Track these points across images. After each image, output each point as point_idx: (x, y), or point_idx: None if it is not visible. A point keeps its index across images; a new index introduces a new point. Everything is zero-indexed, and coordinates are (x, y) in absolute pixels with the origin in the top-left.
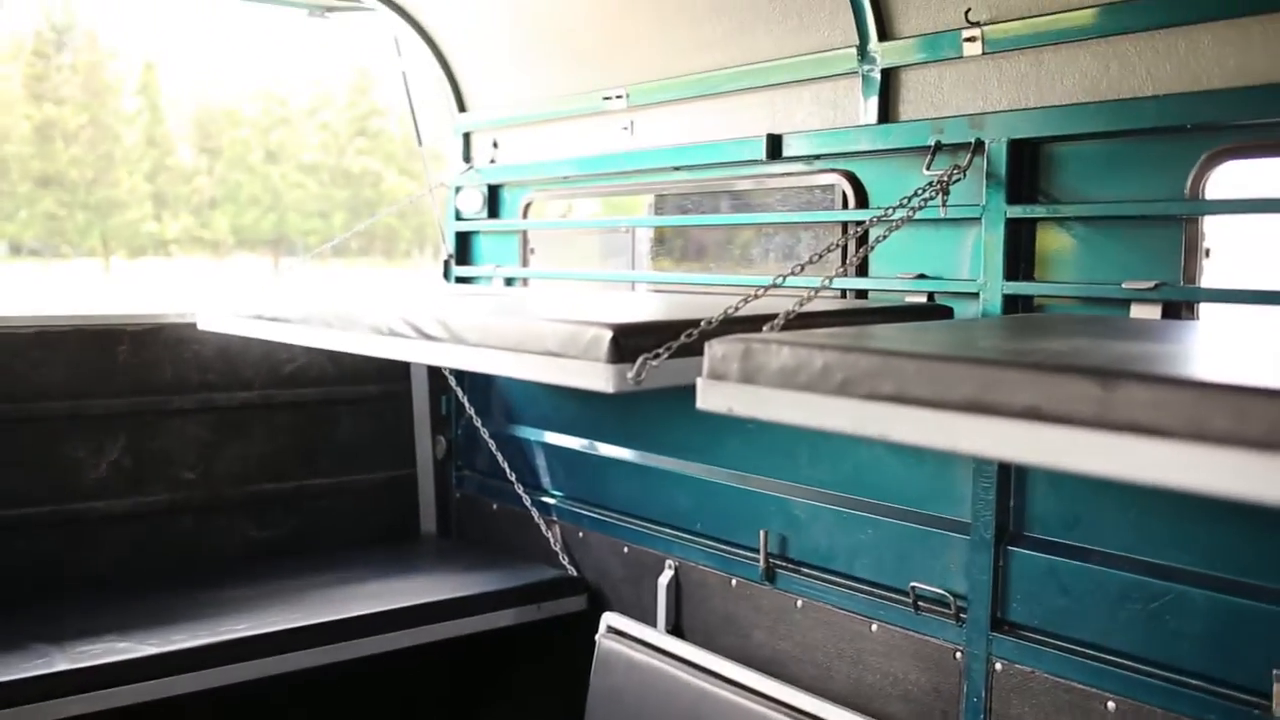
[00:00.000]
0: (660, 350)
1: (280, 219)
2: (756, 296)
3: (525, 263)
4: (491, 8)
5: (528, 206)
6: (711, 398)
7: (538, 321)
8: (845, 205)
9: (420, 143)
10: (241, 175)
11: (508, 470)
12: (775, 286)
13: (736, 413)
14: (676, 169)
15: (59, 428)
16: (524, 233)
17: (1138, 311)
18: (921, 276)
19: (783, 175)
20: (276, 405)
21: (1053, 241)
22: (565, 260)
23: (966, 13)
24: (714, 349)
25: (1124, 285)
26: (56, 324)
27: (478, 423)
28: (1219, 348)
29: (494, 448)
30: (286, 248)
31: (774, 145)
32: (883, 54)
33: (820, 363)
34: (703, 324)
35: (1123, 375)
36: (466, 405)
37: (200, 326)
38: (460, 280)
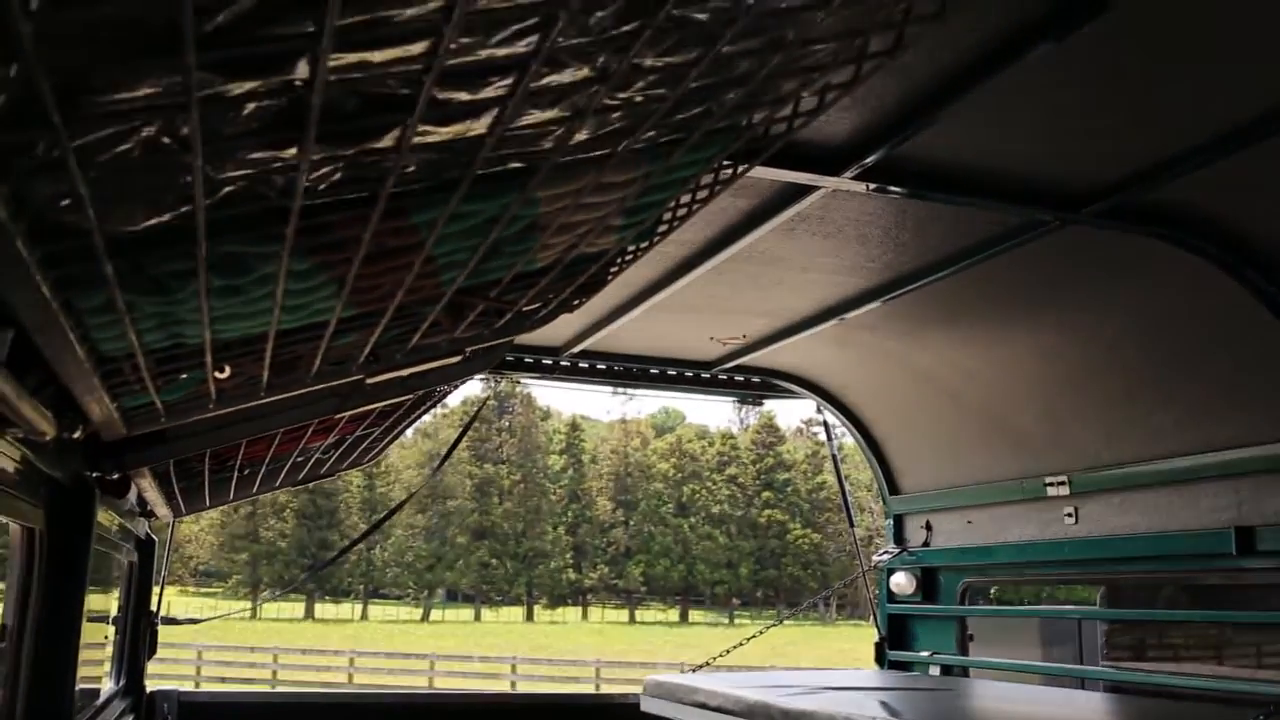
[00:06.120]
0: None
1: (689, 569)
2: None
3: (965, 650)
4: (923, 395)
5: (964, 592)
6: None
7: None
8: None
9: (852, 524)
10: (654, 527)
11: None
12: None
13: None
14: (1128, 560)
15: None
16: (962, 619)
17: None
18: None
19: (1258, 570)
20: None
21: None
22: (1006, 648)
23: None
24: None
25: None
26: (511, 701)
27: None
28: None
29: None
30: (694, 597)
31: (1244, 538)
32: None
33: None
34: None
35: None
36: None
37: (644, 709)
38: (894, 665)
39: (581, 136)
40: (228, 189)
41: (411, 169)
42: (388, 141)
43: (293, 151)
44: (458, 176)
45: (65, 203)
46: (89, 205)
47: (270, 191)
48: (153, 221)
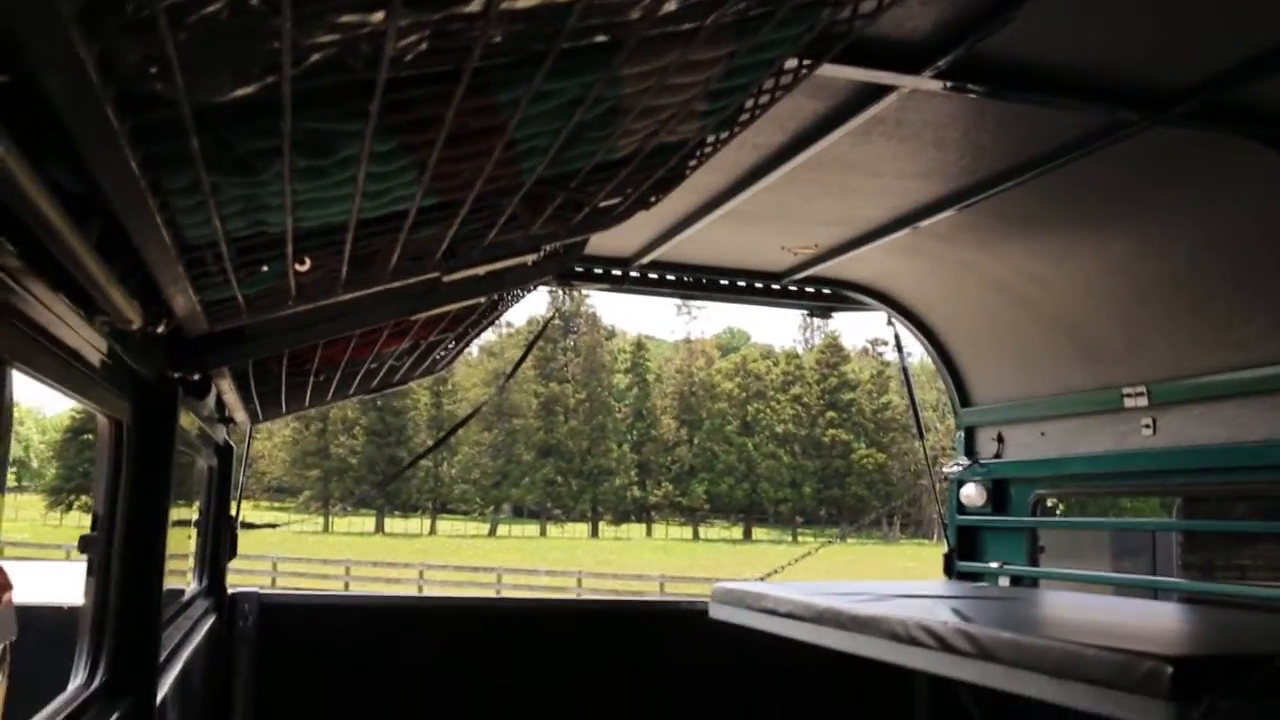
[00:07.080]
0: (1229, 691)
1: (753, 487)
2: None
3: (1035, 562)
4: (997, 305)
5: (1036, 503)
6: None
7: (1082, 647)
8: None
9: (921, 437)
10: (718, 446)
11: None
12: None
13: None
14: (1208, 471)
15: (578, 705)
16: (1033, 530)
17: None
18: None
19: None
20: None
21: None
22: (1077, 560)
23: None
24: None
25: None
26: (580, 606)
27: None
28: None
29: None
30: (758, 515)
31: None
32: None
33: None
34: (1278, 661)
35: None
36: None
37: (711, 615)
38: (963, 575)
39: (670, 7)
40: (314, 57)
41: (497, 39)
42: (475, 7)
43: (380, 16)
44: (543, 50)
45: (154, 70)
46: (176, 71)
47: (356, 62)
48: (239, 93)
